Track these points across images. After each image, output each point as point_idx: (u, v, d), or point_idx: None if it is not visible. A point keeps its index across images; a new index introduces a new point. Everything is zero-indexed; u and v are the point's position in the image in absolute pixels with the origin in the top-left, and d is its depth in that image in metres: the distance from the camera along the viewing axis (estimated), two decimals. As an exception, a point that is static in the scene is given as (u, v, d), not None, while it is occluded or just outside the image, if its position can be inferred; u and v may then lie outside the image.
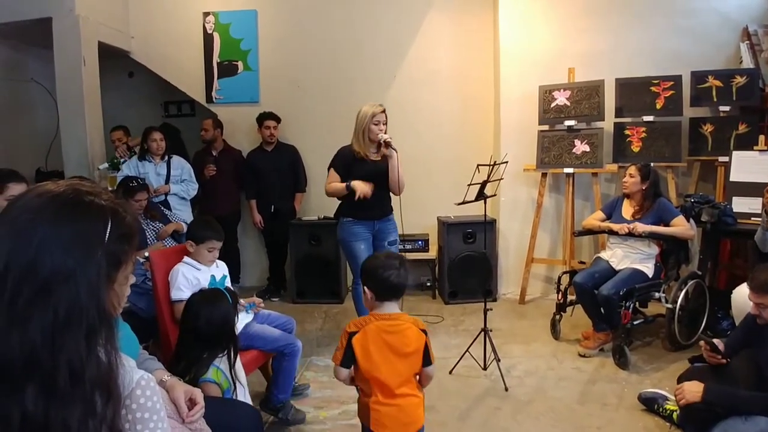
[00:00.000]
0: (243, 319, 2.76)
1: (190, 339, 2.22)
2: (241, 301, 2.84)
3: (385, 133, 3.54)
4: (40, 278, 0.82)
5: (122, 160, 4.38)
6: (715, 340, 2.58)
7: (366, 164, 3.55)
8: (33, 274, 0.82)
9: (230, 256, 4.98)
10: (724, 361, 2.50)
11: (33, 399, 0.80)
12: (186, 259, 2.69)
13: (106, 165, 4.35)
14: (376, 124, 3.50)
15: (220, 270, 2.81)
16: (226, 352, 2.22)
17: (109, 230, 0.90)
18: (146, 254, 2.85)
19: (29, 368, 0.81)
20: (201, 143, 5.13)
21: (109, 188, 4.11)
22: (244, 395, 2.22)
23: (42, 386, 0.81)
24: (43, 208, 0.87)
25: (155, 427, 1.03)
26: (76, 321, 0.84)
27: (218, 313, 2.23)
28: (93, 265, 0.87)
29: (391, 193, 3.71)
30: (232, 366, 2.19)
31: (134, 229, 0.98)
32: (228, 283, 2.83)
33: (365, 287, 2.02)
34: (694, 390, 2.36)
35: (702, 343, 2.61)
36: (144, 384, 1.02)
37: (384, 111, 3.53)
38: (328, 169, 3.68)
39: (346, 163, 3.59)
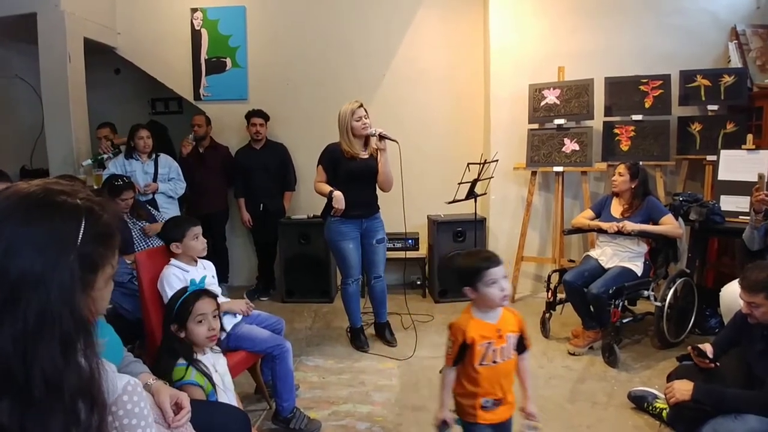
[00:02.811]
0: (231, 321, 2.73)
1: (168, 340, 2.16)
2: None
3: (370, 127, 3.54)
4: (9, 283, 0.79)
5: (105, 156, 4.31)
6: (702, 345, 2.58)
7: (353, 162, 3.54)
8: (1, 279, 0.78)
9: (219, 256, 4.95)
10: (713, 365, 2.51)
11: (8, 412, 0.77)
12: (173, 261, 2.65)
13: (89, 161, 4.29)
14: (357, 121, 3.51)
15: (207, 271, 2.78)
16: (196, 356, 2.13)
17: (82, 231, 0.86)
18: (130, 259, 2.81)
19: (2, 379, 0.77)
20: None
21: (95, 187, 4.05)
22: (229, 398, 2.18)
23: (17, 398, 0.77)
24: (11, 209, 0.83)
25: None
26: (49, 328, 0.80)
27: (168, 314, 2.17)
28: (65, 268, 0.83)
29: (378, 191, 3.70)
30: (192, 365, 2.11)
31: (112, 228, 0.93)
32: (215, 284, 2.77)
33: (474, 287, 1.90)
34: (683, 389, 2.37)
35: (689, 348, 2.61)
36: (131, 390, 0.99)
37: (362, 106, 3.54)
38: (317, 165, 3.67)
39: (334, 160, 3.58)
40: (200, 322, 2.14)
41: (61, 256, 0.83)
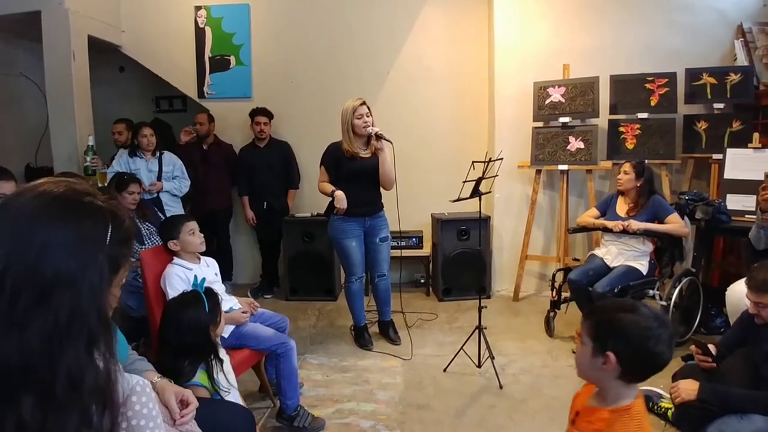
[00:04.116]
0: (231, 327, 2.71)
1: (168, 348, 2.10)
2: (235, 302, 2.80)
3: (372, 125, 3.53)
4: (41, 282, 0.79)
5: (94, 166, 4.24)
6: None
7: (354, 162, 3.54)
8: (33, 278, 0.78)
9: (223, 254, 4.95)
10: (715, 365, 2.49)
11: (29, 408, 0.77)
12: (176, 260, 2.66)
13: (91, 156, 4.23)
14: (359, 119, 3.50)
15: (210, 269, 2.78)
16: (206, 361, 2.11)
17: (110, 233, 0.87)
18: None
19: (27, 376, 0.77)
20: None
21: (99, 184, 4.06)
22: (233, 396, 2.17)
23: (39, 395, 0.77)
24: (42, 209, 0.83)
25: None
26: (78, 327, 0.80)
27: (188, 320, 2.11)
28: (95, 268, 0.84)
29: (381, 189, 3.70)
30: (211, 373, 2.09)
31: (132, 232, 0.95)
32: (218, 282, 2.77)
33: (614, 354, 1.31)
34: (689, 388, 2.35)
35: (692, 347, 2.59)
36: (140, 390, 0.99)
37: (364, 104, 3.53)
38: (320, 166, 3.68)
39: (335, 160, 3.58)
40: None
41: (93, 257, 0.83)
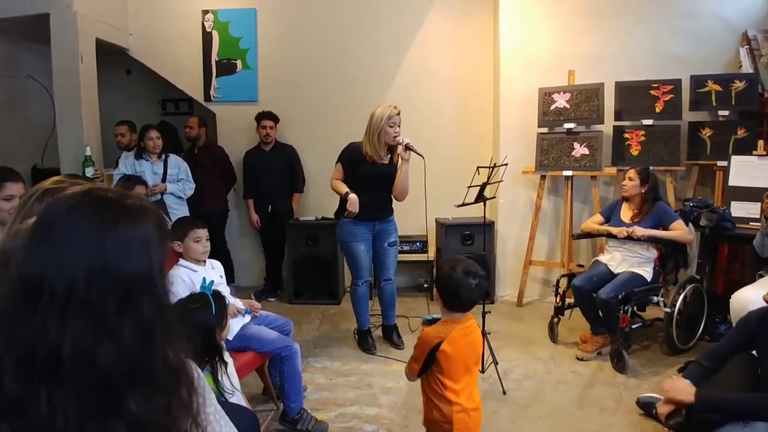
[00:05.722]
0: (239, 321, 2.73)
1: None
2: (239, 303, 2.81)
3: (399, 135, 3.53)
4: (125, 286, 0.82)
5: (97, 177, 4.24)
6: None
7: (374, 166, 3.53)
8: (117, 284, 0.82)
9: (221, 257, 4.93)
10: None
11: (138, 401, 0.81)
12: (181, 261, 2.67)
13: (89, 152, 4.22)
14: (391, 126, 3.48)
15: (216, 271, 2.79)
16: (210, 363, 2.10)
17: (157, 232, 0.92)
18: None
19: (131, 376, 0.81)
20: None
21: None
22: (237, 398, 2.18)
23: (143, 389, 0.82)
24: (107, 217, 0.85)
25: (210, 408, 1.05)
26: (160, 319, 0.86)
27: (194, 322, 2.10)
28: (158, 265, 0.89)
29: (393, 198, 3.70)
30: (216, 375, 2.08)
31: (168, 231, 1.00)
32: (223, 284, 2.78)
33: (438, 294, 2.05)
34: (686, 390, 2.34)
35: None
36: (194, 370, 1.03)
37: (399, 113, 3.51)
38: (336, 162, 3.66)
39: (354, 161, 3.56)
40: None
41: (155, 253, 0.88)
